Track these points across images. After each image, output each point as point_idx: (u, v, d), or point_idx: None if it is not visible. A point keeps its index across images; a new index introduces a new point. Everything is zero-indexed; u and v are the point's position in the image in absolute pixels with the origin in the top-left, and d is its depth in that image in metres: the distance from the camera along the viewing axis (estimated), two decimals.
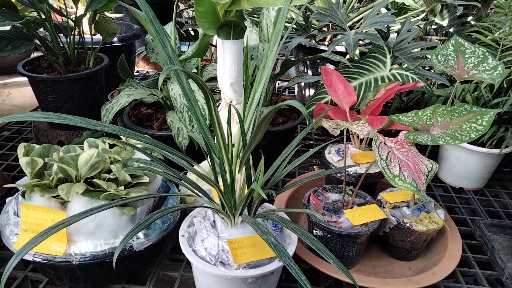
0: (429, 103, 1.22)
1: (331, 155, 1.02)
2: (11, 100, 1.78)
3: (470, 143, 1.12)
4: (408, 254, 0.91)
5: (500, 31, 1.19)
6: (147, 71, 2.11)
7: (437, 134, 0.74)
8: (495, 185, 1.26)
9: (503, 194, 1.22)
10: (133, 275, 0.84)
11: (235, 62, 0.87)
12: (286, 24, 1.50)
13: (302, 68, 1.67)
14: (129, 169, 0.69)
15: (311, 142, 1.48)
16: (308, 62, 1.60)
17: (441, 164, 1.25)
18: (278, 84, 2.03)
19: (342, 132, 0.90)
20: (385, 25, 1.02)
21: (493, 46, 1.18)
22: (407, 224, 0.85)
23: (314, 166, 1.36)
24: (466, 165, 1.17)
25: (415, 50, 1.24)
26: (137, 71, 2.10)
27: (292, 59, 1.16)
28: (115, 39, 1.51)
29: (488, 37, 1.21)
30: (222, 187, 0.68)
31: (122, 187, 0.74)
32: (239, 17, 0.78)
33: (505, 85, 1.11)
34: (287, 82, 1.34)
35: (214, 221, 0.74)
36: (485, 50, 0.79)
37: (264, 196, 0.52)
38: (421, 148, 0.99)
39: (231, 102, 0.82)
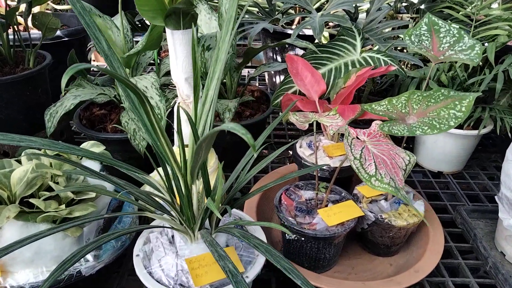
0: (403, 85, 1.16)
1: (303, 149, 0.95)
2: None
3: None
4: (388, 250, 0.86)
5: (472, 5, 1.13)
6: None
7: (413, 124, 0.67)
8: (474, 166, 1.23)
9: (482, 175, 1.18)
10: None
11: (189, 54, 0.78)
12: (251, 9, 1.41)
13: (271, 55, 1.58)
14: (69, 188, 0.59)
15: (285, 132, 1.41)
16: (276, 48, 1.51)
17: (418, 149, 1.20)
18: (248, 72, 1.94)
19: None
20: (353, 5, 0.94)
21: (466, 21, 1.12)
22: (386, 220, 0.79)
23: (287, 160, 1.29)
24: (444, 148, 1.13)
25: (387, 30, 1.17)
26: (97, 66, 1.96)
27: (258, 46, 1.07)
28: (64, 33, 1.38)
29: (461, 13, 1.15)
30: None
31: (63, 206, 0.65)
32: (187, 4, 0.69)
33: (480, 63, 1.06)
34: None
35: (172, 236, 0.66)
36: (460, 29, 0.73)
37: (219, 216, 0.44)
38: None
39: (184, 100, 0.73)
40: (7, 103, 0.94)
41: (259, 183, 1.03)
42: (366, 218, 0.82)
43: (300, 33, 1.40)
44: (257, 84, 1.81)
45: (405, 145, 1.30)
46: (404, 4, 1.41)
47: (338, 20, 0.90)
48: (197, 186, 0.60)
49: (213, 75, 0.60)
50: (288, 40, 0.93)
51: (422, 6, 1.32)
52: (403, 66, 1.41)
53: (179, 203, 0.61)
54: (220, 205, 0.62)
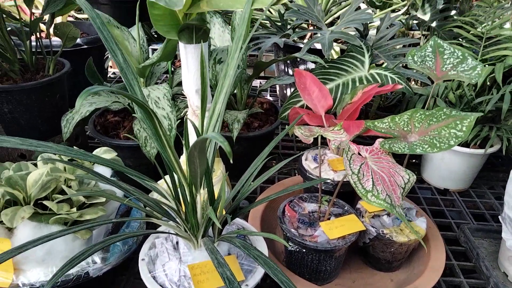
0: (411, 102, 1.17)
1: (308, 162, 0.96)
2: None
3: None
4: (389, 265, 0.87)
5: (483, 25, 1.14)
6: None
7: (414, 142, 0.69)
8: (481, 185, 1.22)
9: (488, 194, 1.18)
10: None
11: (200, 67, 0.81)
12: (263, 22, 1.44)
13: (283, 67, 1.61)
14: (81, 193, 0.62)
15: (292, 144, 1.43)
16: (288, 61, 1.54)
17: (425, 165, 1.21)
18: (260, 83, 1.97)
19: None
20: (362, 23, 0.96)
21: (475, 41, 1.14)
22: (387, 235, 0.81)
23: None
24: (450, 166, 1.13)
25: (397, 47, 1.19)
26: (113, 73, 2.02)
27: (271, 57, 1.10)
28: (84, 41, 1.43)
29: (471, 32, 1.16)
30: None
31: (75, 209, 0.68)
32: (200, 20, 0.72)
33: (489, 83, 1.07)
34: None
35: (177, 243, 0.69)
36: (465, 51, 0.74)
37: (219, 225, 0.46)
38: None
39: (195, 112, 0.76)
40: (27, 108, 0.99)
41: (264, 194, 1.05)
42: (368, 233, 0.83)
43: (312, 47, 1.43)
44: (268, 95, 1.84)
45: (413, 161, 1.31)
46: (415, 21, 1.43)
47: (347, 38, 0.93)
48: (202, 195, 0.63)
49: (221, 89, 0.63)
50: (297, 55, 0.96)
51: (433, 24, 1.34)
52: (412, 83, 1.42)
53: (184, 211, 0.63)
54: (223, 213, 0.64)
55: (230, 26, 1.17)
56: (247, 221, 0.95)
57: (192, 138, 0.83)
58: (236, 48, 0.62)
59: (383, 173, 0.63)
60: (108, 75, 1.97)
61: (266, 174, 0.68)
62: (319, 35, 1.03)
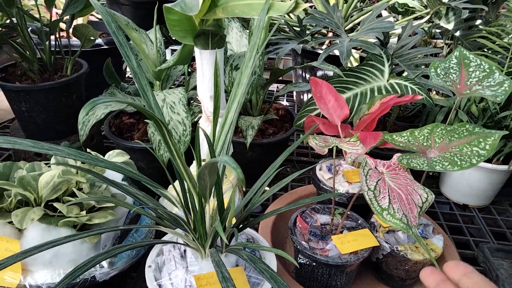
0: (432, 114, 1.14)
1: (322, 172, 0.94)
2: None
3: None
4: (403, 283, 0.84)
5: (510, 36, 1.10)
6: None
7: (434, 158, 0.66)
8: (503, 202, 1.18)
9: (510, 211, 1.14)
10: None
11: (214, 76, 0.80)
12: (282, 26, 1.42)
13: (300, 72, 1.59)
14: (91, 198, 0.62)
15: (307, 150, 1.41)
16: None
17: (444, 179, 1.17)
18: (277, 87, 1.95)
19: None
20: (382, 32, 0.94)
21: (501, 52, 1.09)
22: (402, 252, 0.78)
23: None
24: (470, 181, 1.09)
25: (419, 56, 1.15)
26: None
27: (289, 60, 1.09)
28: (104, 41, 1.45)
29: (497, 43, 1.12)
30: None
31: (84, 212, 0.67)
32: (216, 26, 0.71)
33: None
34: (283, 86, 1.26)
35: (184, 251, 0.68)
36: (493, 64, 0.71)
37: (226, 241, 0.45)
38: None
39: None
40: (44, 108, 1.00)
41: (276, 202, 1.04)
42: (382, 249, 0.80)
43: (330, 53, 1.41)
44: (284, 100, 1.82)
45: (432, 173, 1.27)
46: (438, 30, 1.39)
47: (366, 46, 0.90)
48: (212, 204, 0.62)
49: (234, 98, 0.62)
50: (314, 63, 0.94)
51: (457, 34, 1.30)
52: (433, 93, 1.38)
53: (192, 219, 0.62)
54: (233, 223, 0.63)
55: (248, 31, 1.16)
56: (258, 228, 0.94)
57: (204, 145, 0.82)
58: (250, 56, 0.60)
59: (400, 190, 0.61)
60: (127, 75, 1.98)
61: (278, 185, 0.66)
62: (338, 42, 1.01)
